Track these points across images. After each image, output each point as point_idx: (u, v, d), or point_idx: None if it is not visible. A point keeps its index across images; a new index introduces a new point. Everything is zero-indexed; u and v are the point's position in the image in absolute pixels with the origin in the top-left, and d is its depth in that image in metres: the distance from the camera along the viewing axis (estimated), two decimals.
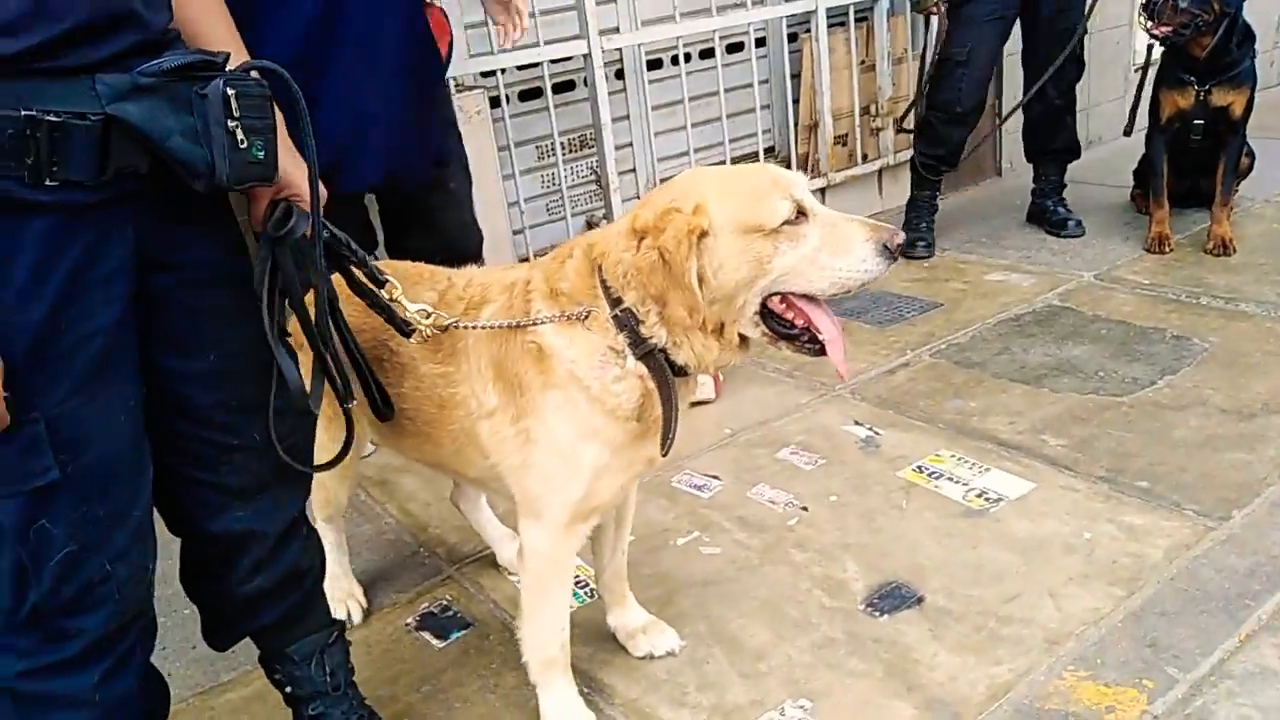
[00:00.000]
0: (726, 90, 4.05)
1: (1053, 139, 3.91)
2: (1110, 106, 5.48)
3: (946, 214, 4.25)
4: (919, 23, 4.34)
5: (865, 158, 4.44)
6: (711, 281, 1.38)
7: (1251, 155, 3.92)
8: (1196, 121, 3.55)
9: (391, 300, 1.48)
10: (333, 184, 2.25)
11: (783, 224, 1.38)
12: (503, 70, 3.44)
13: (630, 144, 3.94)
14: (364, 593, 2.06)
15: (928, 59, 3.76)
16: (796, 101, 4.28)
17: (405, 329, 1.48)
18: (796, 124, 4.30)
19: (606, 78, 3.83)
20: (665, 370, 1.41)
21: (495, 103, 3.49)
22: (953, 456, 2.41)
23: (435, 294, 1.62)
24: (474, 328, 1.51)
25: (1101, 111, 5.45)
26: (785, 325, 1.45)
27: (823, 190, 4.33)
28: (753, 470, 2.47)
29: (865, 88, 4.37)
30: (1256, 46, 3.55)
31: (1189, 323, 2.99)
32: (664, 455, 1.48)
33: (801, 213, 1.40)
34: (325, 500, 1.92)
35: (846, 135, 4.38)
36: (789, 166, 4.25)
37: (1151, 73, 3.74)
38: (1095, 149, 5.26)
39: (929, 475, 2.35)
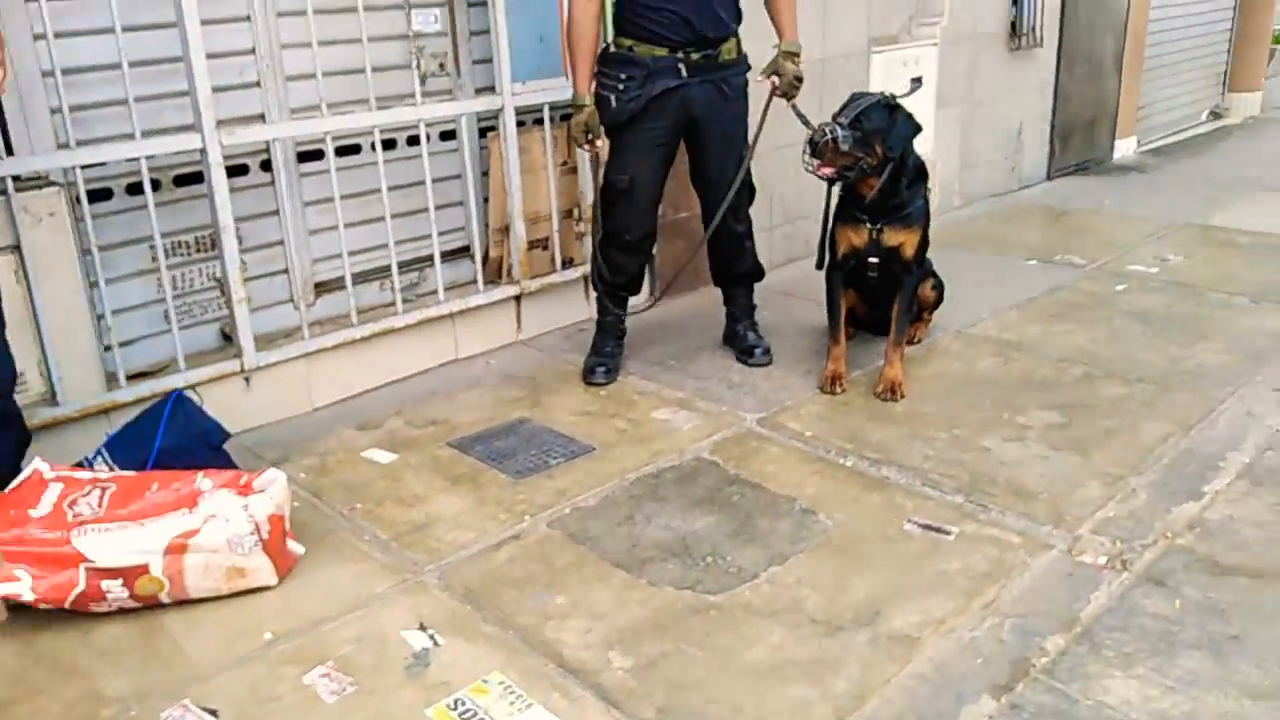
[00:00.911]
0: (406, 185, 3.68)
1: (735, 264, 3.73)
2: None
3: (651, 325, 4.01)
4: None
5: (569, 263, 4.15)
6: None
7: (939, 287, 3.86)
8: (872, 259, 3.43)
9: None
10: None
11: None
12: (101, 164, 2.95)
13: (281, 242, 3.50)
14: None
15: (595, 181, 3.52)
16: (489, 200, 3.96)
17: None
18: (488, 225, 3.97)
19: (250, 169, 3.40)
20: None
21: (94, 196, 2.99)
22: (501, 684, 2.07)
23: None
24: None
25: None
26: None
27: (517, 298, 4.00)
28: (265, 702, 2.05)
29: (567, 190, 4.09)
30: (930, 184, 3.46)
31: (824, 491, 2.79)
32: None
33: None
34: None
35: (547, 239, 4.08)
36: (481, 269, 3.91)
37: None
38: None
39: (460, 715, 1.99)
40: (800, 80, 3.41)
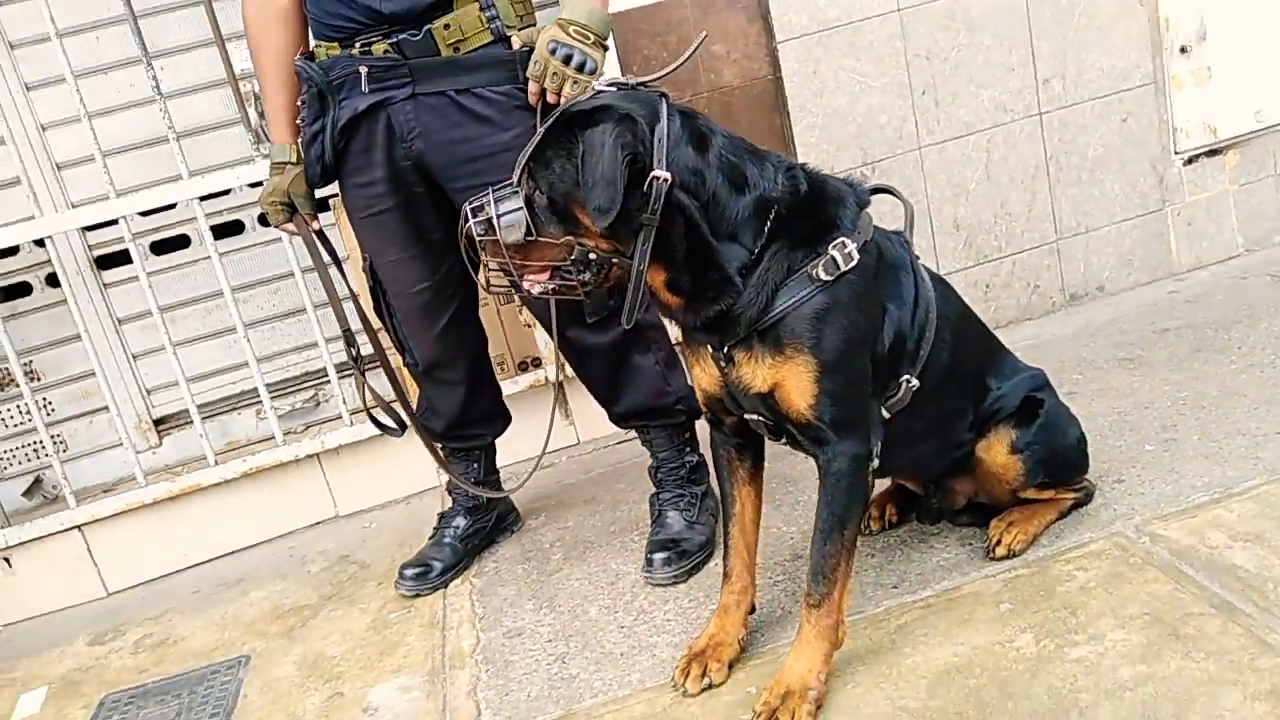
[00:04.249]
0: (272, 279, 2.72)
1: (618, 398, 2.06)
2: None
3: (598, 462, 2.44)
4: None
5: (525, 366, 2.74)
6: None
7: (1042, 446, 1.70)
8: (747, 415, 1.52)
9: None
10: None
11: None
12: None
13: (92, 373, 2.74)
14: None
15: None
16: None
17: None
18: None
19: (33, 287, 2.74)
20: None
21: None
22: None
23: None
24: None
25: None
26: None
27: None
28: None
29: None
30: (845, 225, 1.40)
31: None
32: None
33: None
34: None
35: None
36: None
37: None
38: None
39: None
40: (578, 66, 1.65)
